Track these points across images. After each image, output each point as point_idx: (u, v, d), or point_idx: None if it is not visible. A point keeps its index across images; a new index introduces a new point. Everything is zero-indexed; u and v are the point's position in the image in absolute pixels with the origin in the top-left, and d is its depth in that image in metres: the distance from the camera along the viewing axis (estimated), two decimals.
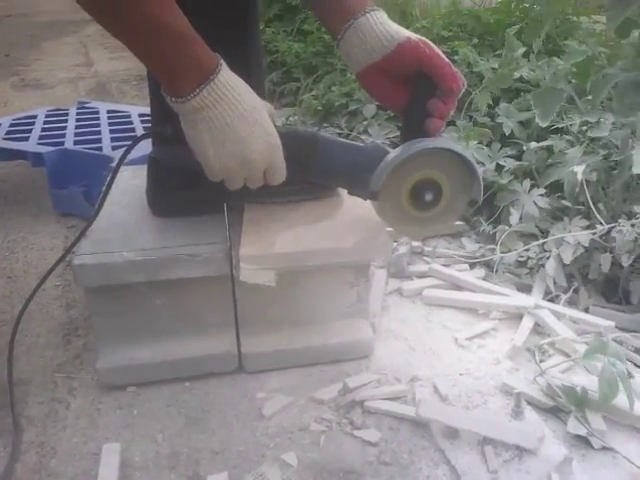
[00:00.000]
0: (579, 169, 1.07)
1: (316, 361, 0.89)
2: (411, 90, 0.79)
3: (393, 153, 0.77)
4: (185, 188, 0.87)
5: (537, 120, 1.13)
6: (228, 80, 0.69)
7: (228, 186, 0.75)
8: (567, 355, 0.91)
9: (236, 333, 0.87)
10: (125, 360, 0.85)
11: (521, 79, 1.65)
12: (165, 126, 0.74)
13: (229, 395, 0.84)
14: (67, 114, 1.75)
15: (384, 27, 0.78)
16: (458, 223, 1.29)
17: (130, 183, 1.03)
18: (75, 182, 1.37)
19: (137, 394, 0.85)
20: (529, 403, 0.81)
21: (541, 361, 0.89)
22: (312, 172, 0.80)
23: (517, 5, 2.06)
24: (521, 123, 1.45)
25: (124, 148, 1.37)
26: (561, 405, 0.80)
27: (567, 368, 0.88)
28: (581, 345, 0.90)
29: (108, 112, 1.76)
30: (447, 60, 0.77)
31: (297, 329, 0.89)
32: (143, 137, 0.79)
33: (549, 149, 1.26)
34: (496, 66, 1.69)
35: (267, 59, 2.59)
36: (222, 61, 0.69)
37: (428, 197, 0.79)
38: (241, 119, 0.69)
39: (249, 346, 0.87)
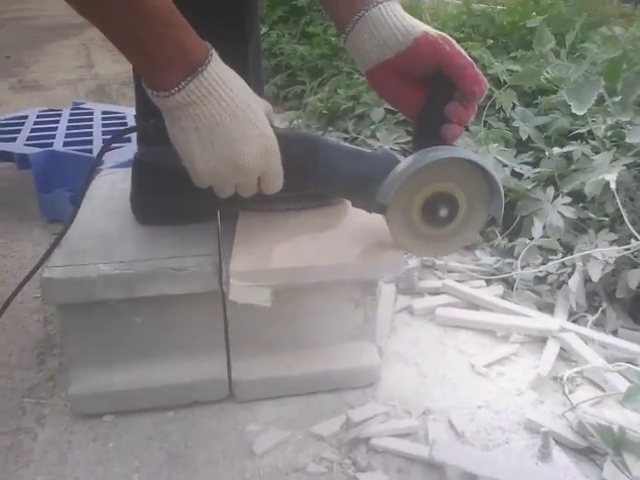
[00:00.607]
0: (611, 177, 0.97)
1: (316, 389, 0.79)
2: (427, 92, 0.70)
3: (405, 162, 0.68)
4: (172, 193, 0.78)
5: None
6: (219, 73, 0.60)
7: (218, 193, 0.66)
8: (597, 386, 0.81)
9: (226, 357, 0.78)
10: (101, 385, 0.75)
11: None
12: (148, 122, 0.65)
13: (216, 427, 0.75)
14: (60, 115, 1.66)
15: (399, 20, 0.69)
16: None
17: (118, 187, 0.94)
18: (63, 186, 1.29)
19: (114, 424, 0.76)
20: (557, 443, 0.71)
21: (569, 392, 0.79)
22: (313, 180, 0.71)
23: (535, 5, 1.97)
24: (538, 128, 1.36)
25: (113, 149, 1.30)
26: (595, 446, 0.70)
27: (598, 401, 0.78)
28: (613, 374, 0.81)
29: (103, 113, 1.68)
30: (469, 59, 0.68)
31: (295, 353, 0.80)
32: (123, 133, 0.70)
33: (569, 157, 1.17)
34: (512, 68, 1.61)
35: (271, 62, 2.52)
36: (213, 51, 0.60)
37: (442, 213, 0.71)
38: (233, 118, 0.60)
39: (241, 372, 0.78)
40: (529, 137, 1.31)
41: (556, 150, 1.12)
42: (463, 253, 1.18)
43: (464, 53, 0.69)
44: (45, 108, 1.75)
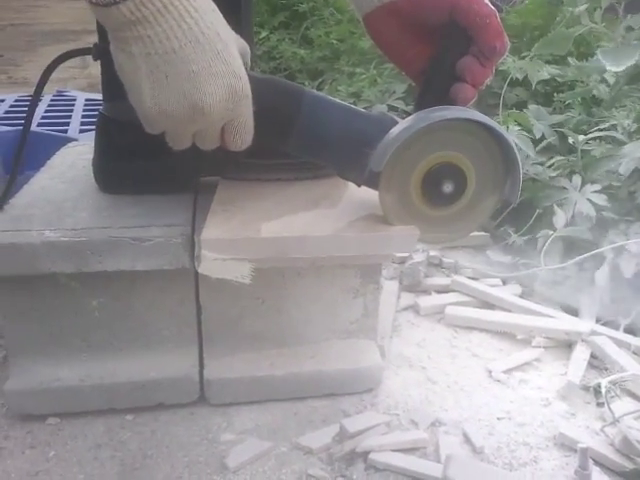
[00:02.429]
0: None
1: (305, 394, 0.67)
2: (436, 44, 0.58)
3: (405, 123, 0.55)
4: (142, 156, 0.66)
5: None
6: None
7: (170, 143, 0.53)
8: (637, 397, 0.69)
9: (198, 352, 0.66)
10: (46, 381, 0.63)
11: (553, 80, 1.47)
12: (96, 44, 0.54)
13: (183, 435, 0.62)
14: (40, 100, 1.55)
15: None
16: (480, 234, 1.08)
17: (83, 158, 0.82)
18: (33, 168, 1.16)
19: (59, 428, 0.63)
20: (597, 463, 0.59)
21: (601, 404, 0.67)
22: (292, 139, 0.58)
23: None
24: (553, 127, 1.25)
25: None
26: None
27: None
28: None
29: (86, 100, 1.57)
30: (492, 7, 0.56)
31: (281, 350, 0.67)
32: (70, 55, 0.58)
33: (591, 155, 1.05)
34: (524, 67, 1.51)
35: (269, 65, 2.44)
36: None
37: (447, 188, 0.58)
38: (196, 46, 0.47)
39: (215, 370, 0.65)
40: (543, 136, 1.21)
41: (582, 137, 1.01)
42: (473, 253, 1.07)
43: (486, 0, 0.57)
44: (25, 94, 1.64)
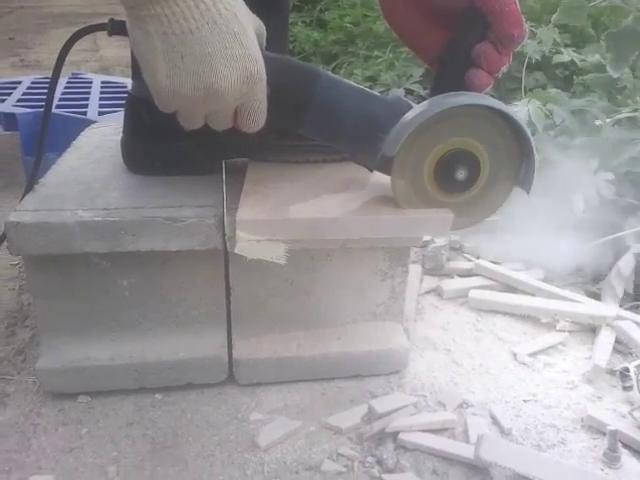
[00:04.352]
0: None
1: (332, 375, 0.68)
2: (452, 30, 0.57)
3: (418, 108, 0.54)
4: (171, 137, 0.66)
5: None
6: None
7: (183, 122, 0.53)
8: None
9: (227, 332, 0.66)
10: (77, 360, 0.63)
11: (571, 64, 1.46)
12: (111, 19, 0.53)
13: (213, 415, 0.62)
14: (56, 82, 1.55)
15: None
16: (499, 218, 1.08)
17: (109, 139, 0.82)
18: (53, 149, 1.16)
19: (90, 406, 0.63)
20: (625, 445, 0.59)
21: (627, 388, 0.67)
22: (306, 121, 0.57)
23: None
24: (573, 113, 1.24)
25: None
26: None
27: None
28: None
29: (102, 82, 1.57)
30: None
31: (309, 331, 0.68)
32: (87, 30, 0.58)
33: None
34: (544, 49, 1.50)
35: None
36: None
37: (460, 176, 0.57)
38: (213, 27, 0.47)
39: (244, 350, 0.66)
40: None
41: (607, 120, 1.00)
42: (493, 237, 1.06)
43: None
44: (41, 76, 1.64)
